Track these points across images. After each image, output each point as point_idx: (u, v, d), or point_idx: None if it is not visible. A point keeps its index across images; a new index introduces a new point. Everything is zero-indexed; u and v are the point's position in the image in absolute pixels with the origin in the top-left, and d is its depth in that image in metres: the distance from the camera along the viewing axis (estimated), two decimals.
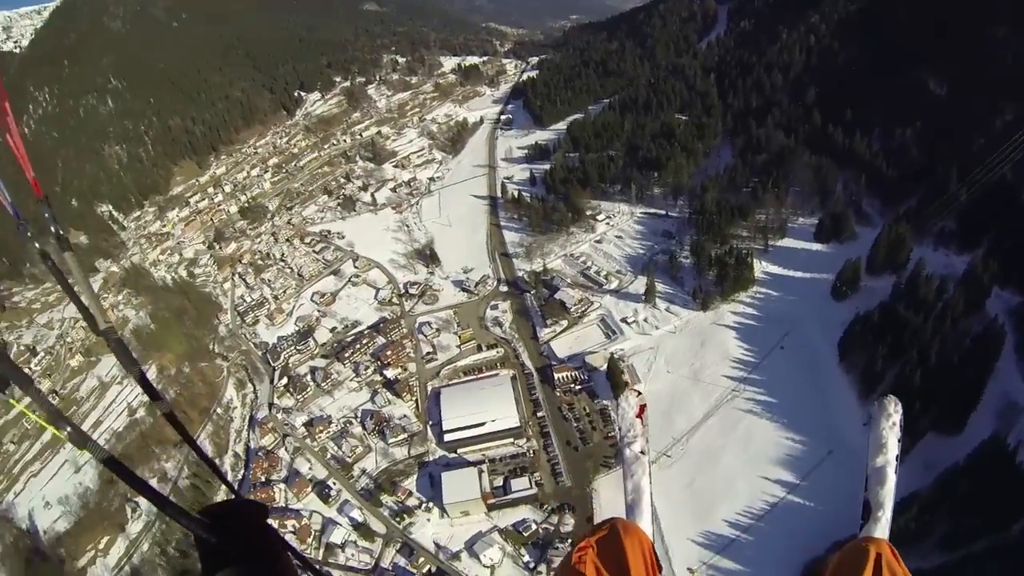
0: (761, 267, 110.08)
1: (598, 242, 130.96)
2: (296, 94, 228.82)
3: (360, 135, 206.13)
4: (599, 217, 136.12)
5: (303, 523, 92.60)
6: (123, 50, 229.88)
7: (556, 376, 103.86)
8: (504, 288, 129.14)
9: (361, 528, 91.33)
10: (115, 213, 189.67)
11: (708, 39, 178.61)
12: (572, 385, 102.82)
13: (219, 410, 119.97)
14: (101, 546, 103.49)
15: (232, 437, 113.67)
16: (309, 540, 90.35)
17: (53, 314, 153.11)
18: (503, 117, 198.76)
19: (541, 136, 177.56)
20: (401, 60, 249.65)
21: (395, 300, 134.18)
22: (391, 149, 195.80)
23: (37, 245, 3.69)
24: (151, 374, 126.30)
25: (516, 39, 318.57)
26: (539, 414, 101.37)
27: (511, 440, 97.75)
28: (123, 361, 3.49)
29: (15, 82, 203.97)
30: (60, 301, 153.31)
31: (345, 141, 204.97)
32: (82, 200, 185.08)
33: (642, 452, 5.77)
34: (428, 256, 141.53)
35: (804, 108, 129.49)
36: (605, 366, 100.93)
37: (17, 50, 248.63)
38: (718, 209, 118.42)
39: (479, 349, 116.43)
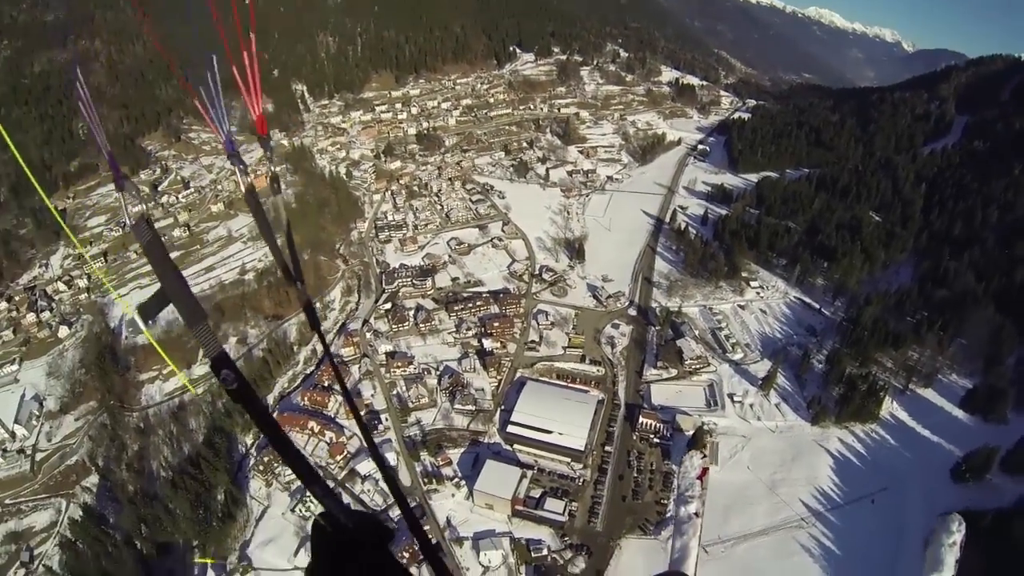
0: (890, 407, 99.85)
1: (741, 307, 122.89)
2: (511, 48, 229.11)
3: (558, 110, 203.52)
4: (753, 283, 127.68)
5: (339, 440, 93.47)
6: None
7: (641, 420, 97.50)
8: (633, 312, 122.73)
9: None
10: (307, 95, 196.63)
11: (934, 146, 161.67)
12: (651, 436, 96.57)
13: (318, 305, 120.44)
14: (164, 372, 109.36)
15: None
16: (338, 458, 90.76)
17: (216, 160, 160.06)
18: (700, 147, 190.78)
19: (730, 180, 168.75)
20: (623, 54, 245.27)
21: (525, 278, 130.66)
22: (582, 134, 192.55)
23: (242, 183, 4.18)
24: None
25: (742, 76, 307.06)
26: (607, 448, 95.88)
27: (568, 461, 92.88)
28: (311, 321, 4.23)
29: None
30: None
31: (542, 110, 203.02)
32: (283, 73, 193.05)
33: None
34: (575, 250, 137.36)
35: (1009, 258, 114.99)
36: (691, 432, 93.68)
37: None
38: (873, 328, 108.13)
39: (582, 360, 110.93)
